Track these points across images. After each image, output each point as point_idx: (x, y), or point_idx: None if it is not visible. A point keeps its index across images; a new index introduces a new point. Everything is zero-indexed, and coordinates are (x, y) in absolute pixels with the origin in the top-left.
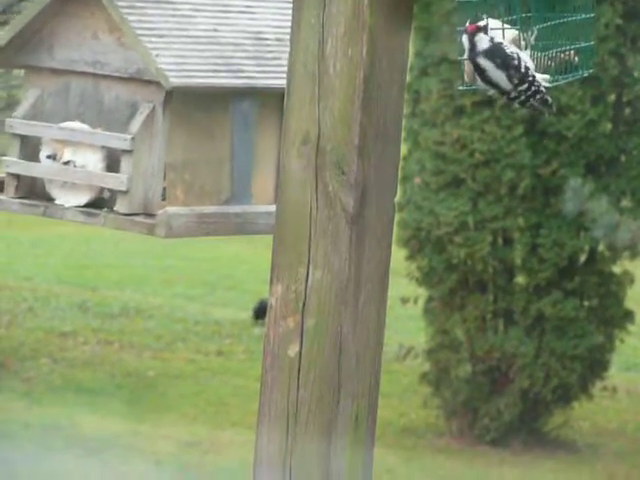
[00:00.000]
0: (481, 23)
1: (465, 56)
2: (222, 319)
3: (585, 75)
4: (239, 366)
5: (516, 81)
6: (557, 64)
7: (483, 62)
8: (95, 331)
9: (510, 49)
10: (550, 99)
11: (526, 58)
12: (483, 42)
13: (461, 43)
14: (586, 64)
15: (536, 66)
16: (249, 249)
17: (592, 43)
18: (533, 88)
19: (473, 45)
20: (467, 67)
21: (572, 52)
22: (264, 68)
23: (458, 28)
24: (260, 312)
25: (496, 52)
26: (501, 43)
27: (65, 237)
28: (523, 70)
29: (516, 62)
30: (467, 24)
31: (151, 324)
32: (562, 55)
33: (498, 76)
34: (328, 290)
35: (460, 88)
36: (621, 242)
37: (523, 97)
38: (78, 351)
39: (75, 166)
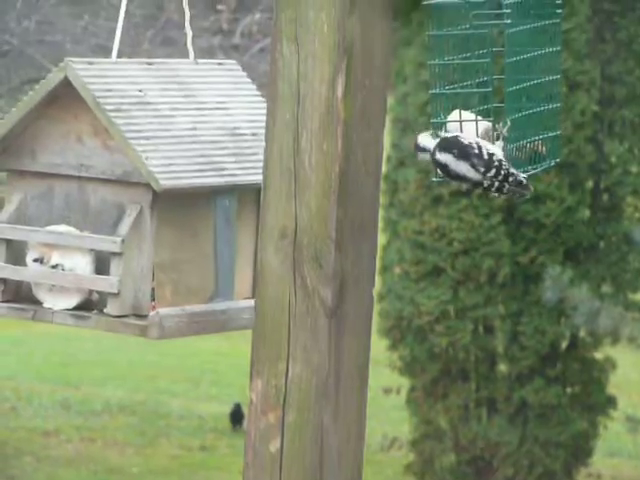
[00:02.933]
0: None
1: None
2: (205, 414)
3: (552, 165)
4: (222, 461)
5: (482, 169)
6: (525, 155)
7: (441, 157)
8: (78, 429)
9: (468, 139)
10: (524, 179)
11: (489, 146)
12: (427, 141)
13: (421, 158)
14: (553, 153)
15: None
16: (228, 344)
17: (558, 132)
18: (503, 172)
19: (423, 148)
20: None
21: (540, 142)
22: (244, 165)
23: (432, 120)
24: (236, 416)
25: (451, 144)
26: (457, 135)
27: (46, 335)
28: (486, 157)
29: (476, 150)
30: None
31: (134, 420)
32: (530, 145)
33: (462, 167)
34: (308, 384)
35: (434, 179)
36: (602, 328)
37: (497, 183)
38: (61, 449)
39: (63, 269)
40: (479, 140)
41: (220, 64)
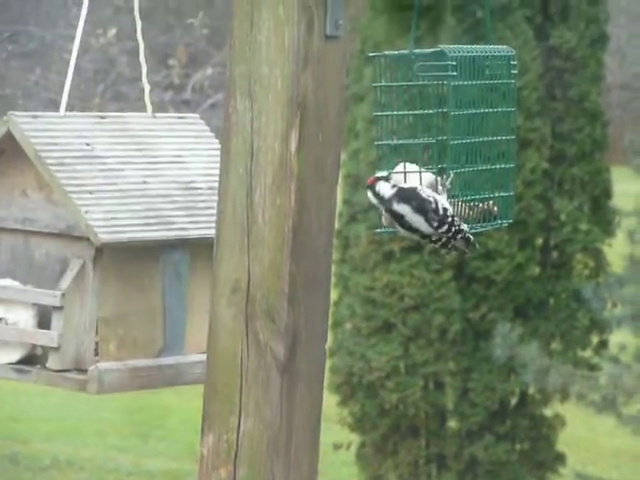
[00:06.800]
0: (380, 174)
1: (380, 210)
2: (154, 469)
3: (503, 225)
4: None
5: (435, 224)
6: (476, 213)
7: (399, 208)
8: None
9: (426, 193)
10: (472, 237)
11: (443, 200)
12: (386, 189)
13: (368, 199)
14: (505, 214)
15: (455, 214)
16: (178, 399)
17: (511, 193)
18: (454, 229)
19: (379, 195)
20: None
21: (491, 202)
22: (196, 218)
23: (377, 172)
24: None
25: (411, 196)
26: (416, 188)
27: None
28: (441, 212)
29: (433, 205)
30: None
31: (82, 476)
32: (482, 205)
33: (417, 220)
34: (260, 439)
35: (377, 231)
36: (551, 385)
37: (444, 239)
38: None
39: (7, 323)
40: (435, 194)
41: (181, 118)
